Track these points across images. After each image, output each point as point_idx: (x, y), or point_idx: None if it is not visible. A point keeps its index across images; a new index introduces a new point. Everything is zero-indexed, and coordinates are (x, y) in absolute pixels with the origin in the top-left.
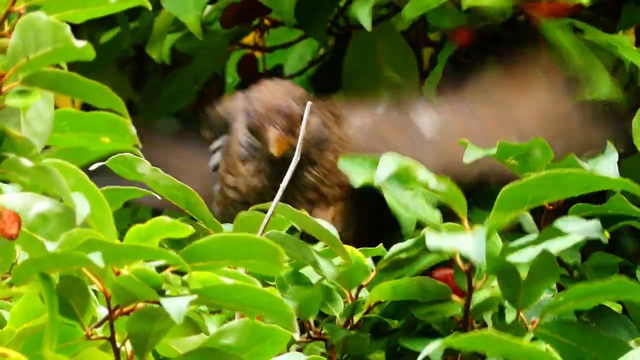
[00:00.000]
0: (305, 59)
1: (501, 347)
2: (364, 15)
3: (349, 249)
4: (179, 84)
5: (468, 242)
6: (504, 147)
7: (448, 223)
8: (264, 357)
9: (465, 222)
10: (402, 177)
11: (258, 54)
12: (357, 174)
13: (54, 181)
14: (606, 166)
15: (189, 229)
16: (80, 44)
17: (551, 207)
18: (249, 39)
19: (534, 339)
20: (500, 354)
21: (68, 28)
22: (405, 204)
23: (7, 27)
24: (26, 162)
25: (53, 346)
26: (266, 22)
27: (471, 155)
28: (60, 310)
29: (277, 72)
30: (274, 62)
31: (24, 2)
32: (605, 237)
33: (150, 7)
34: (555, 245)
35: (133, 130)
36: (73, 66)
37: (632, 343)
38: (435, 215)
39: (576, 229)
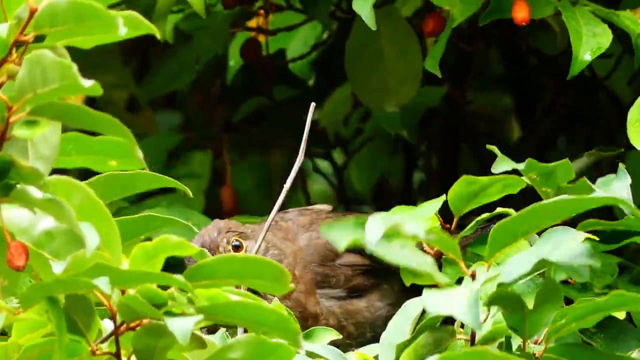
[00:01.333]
0: (308, 42)
1: None
2: (365, 12)
3: None
4: (180, 62)
5: (462, 307)
6: (530, 164)
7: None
8: None
9: (462, 265)
10: (391, 237)
11: (262, 38)
12: (340, 239)
13: (62, 212)
14: (618, 188)
15: (194, 248)
16: (88, 83)
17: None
18: (253, 22)
19: None
20: None
21: (75, 68)
22: (395, 258)
23: (15, 54)
24: (35, 193)
25: None
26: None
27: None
28: (66, 326)
29: (279, 56)
30: (277, 46)
31: (33, 30)
32: (598, 260)
33: (159, 35)
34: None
35: (140, 154)
36: (78, 63)
37: (635, 353)
38: (427, 261)
39: (565, 258)
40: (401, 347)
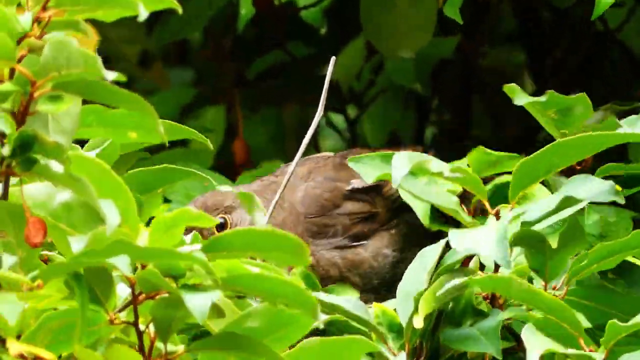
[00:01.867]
0: None
1: (522, 293)
2: None
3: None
4: (191, 8)
5: (490, 244)
6: (552, 96)
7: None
8: (287, 342)
9: (487, 205)
10: (417, 174)
11: None
12: (368, 173)
13: (82, 188)
14: None
15: (214, 220)
16: (111, 75)
17: (579, 167)
18: None
19: None
20: (521, 299)
21: (100, 60)
22: (419, 194)
23: (36, 28)
24: (56, 167)
25: (83, 341)
26: None
27: (520, 99)
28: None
29: (291, 5)
30: None
31: (54, 6)
32: (621, 198)
33: (180, 10)
34: (572, 210)
35: (161, 128)
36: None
37: None
38: (452, 200)
39: (590, 195)
40: (418, 298)
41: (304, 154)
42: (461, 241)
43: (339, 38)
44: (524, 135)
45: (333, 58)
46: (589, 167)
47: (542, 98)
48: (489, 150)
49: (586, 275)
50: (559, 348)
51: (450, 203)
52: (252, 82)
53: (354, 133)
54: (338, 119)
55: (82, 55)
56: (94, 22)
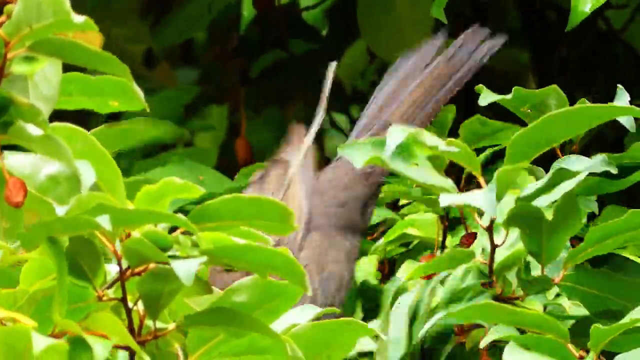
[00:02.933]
0: None
1: (502, 316)
2: None
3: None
4: (193, 10)
5: (479, 196)
6: (519, 93)
7: None
8: (276, 314)
9: (481, 180)
10: (410, 146)
11: None
12: (358, 157)
13: (59, 150)
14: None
15: (199, 190)
16: (79, 19)
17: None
18: None
19: (557, 295)
20: (504, 322)
21: (67, 3)
22: (414, 175)
23: None
24: (33, 130)
25: (63, 311)
26: None
27: (486, 99)
28: (71, 271)
29: (292, 6)
30: None
31: None
32: (614, 168)
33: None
34: (569, 185)
35: (141, 93)
36: (94, 16)
37: None
38: (448, 182)
39: (583, 166)
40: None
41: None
42: (450, 199)
43: (341, 38)
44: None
45: (333, 63)
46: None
47: (508, 96)
48: (484, 119)
49: (583, 258)
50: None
51: (445, 184)
52: (256, 82)
53: None
54: (341, 119)
55: (51, 2)
56: (98, 22)
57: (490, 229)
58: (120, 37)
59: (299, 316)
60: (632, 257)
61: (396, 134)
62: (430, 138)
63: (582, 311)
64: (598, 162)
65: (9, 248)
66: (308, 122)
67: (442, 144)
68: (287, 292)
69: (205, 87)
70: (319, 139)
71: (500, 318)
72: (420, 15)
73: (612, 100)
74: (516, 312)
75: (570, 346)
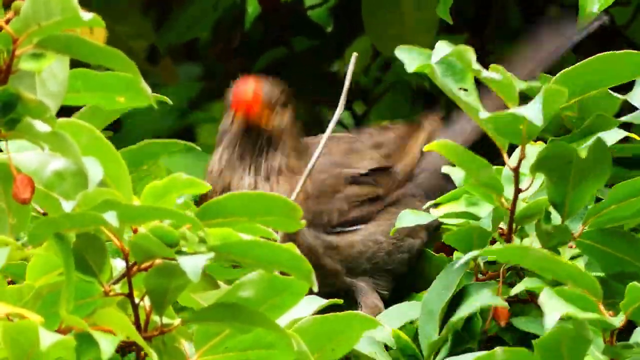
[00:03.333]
0: None
1: (539, 261)
2: None
3: None
4: (198, 9)
5: (526, 107)
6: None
7: None
8: (282, 309)
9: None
10: (457, 61)
11: None
12: (411, 61)
13: (66, 146)
14: None
15: (206, 186)
16: (87, 16)
17: None
18: None
19: (572, 258)
20: (538, 267)
21: (75, 1)
22: (460, 95)
23: None
24: (41, 126)
25: (70, 307)
26: None
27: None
28: (78, 267)
29: (297, 4)
30: None
31: None
32: None
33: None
34: (608, 135)
35: (148, 89)
36: (97, 13)
37: None
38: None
39: (627, 118)
40: (441, 315)
41: None
42: (488, 113)
43: (345, 35)
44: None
45: (354, 55)
46: None
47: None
48: None
49: (605, 217)
50: (577, 312)
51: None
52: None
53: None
54: (345, 115)
55: (59, 0)
56: (102, 18)
57: (516, 170)
58: (123, 34)
59: (303, 309)
60: None
61: (443, 47)
62: (475, 62)
63: (596, 274)
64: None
65: (16, 244)
66: (310, 119)
67: (485, 71)
68: (293, 287)
69: (208, 84)
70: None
71: (537, 263)
72: (424, 13)
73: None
74: (555, 260)
75: (602, 307)
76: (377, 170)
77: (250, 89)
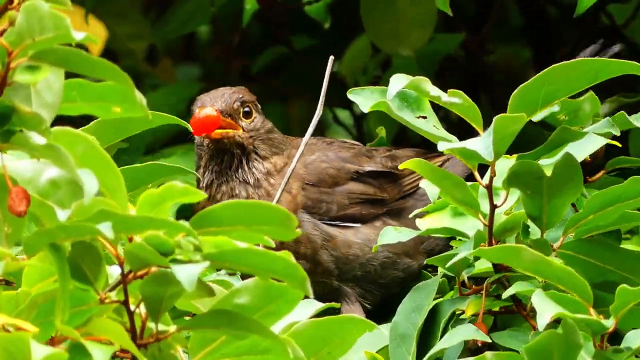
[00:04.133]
0: None
1: (531, 263)
2: None
3: None
4: (194, 4)
5: (476, 141)
6: (565, 104)
7: None
8: (278, 316)
9: (482, 132)
10: (419, 98)
11: None
12: (365, 102)
13: (61, 159)
14: None
15: (201, 194)
16: (79, 35)
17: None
18: None
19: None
20: (530, 269)
21: (68, 20)
22: (419, 126)
23: (16, 1)
24: (36, 138)
25: (65, 317)
26: None
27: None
28: (74, 275)
29: (295, 1)
30: None
31: None
32: (617, 130)
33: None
34: (573, 148)
35: (143, 99)
36: (97, 13)
37: None
38: (451, 137)
39: (587, 129)
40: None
41: None
42: (448, 145)
43: (344, 33)
44: (531, 132)
45: (331, 57)
46: (600, 157)
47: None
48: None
49: (584, 227)
50: (569, 313)
51: (448, 136)
52: (258, 78)
53: (361, 129)
54: (344, 114)
55: (52, 17)
56: (101, 18)
57: (489, 188)
58: (122, 34)
59: (300, 313)
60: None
61: (398, 81)
62: (433, 88)
63: None
64: (603, 124)
65: (11, 255)
66: (310, 118)
67: (444, 95)
68: (288, 295)
69: (207, 84)
70: (322, 135)
71: (529, 264)
72: (423, 9)
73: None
74: (547, 262)
75: (592, 310)
76: (384, 175)
77: (204, 113)
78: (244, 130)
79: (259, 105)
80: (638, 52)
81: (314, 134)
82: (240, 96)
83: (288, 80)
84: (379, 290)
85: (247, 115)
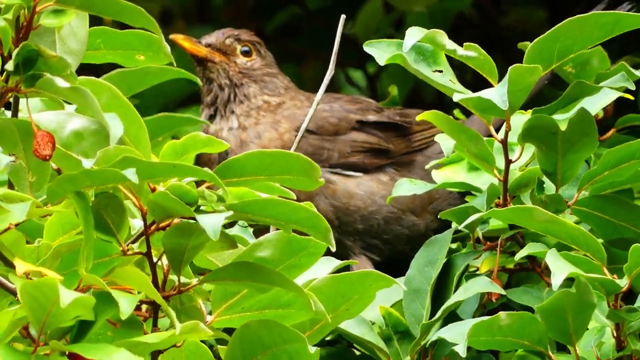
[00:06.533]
0: None
1: (544, 223)
2: None
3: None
4: None
5: (491, 90)
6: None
7: None
8: (300, 269)
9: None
10: (436, 52)
11: None
12: (381, 55)
13: (87, 102)
14: None
15: (224, 144)
16: None
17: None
18: None
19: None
20: (542, 229)
21: None
22: (435, 79)
23: None
24: (60, 82)
25: (89, 266)
26: None
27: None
28: (97, 226)
29: None
30: None
31: None
32: (631, 84)
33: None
34: (589, 103)
35: (167, 48)
36: None
37: None
38: (467, 90)
39: (602, 82)
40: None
41: None
42: (462, 95)
43: None
44: (546, 92)
45: (342, 17)
46: (610, 116)
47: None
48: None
49: (599, 184)
50: (582, 273)
51: (461, 89)
52: (272, 39)
53: (374, 89)
54: (358, 75)
55: None
56: None
57: (504, 142)
58: None
59: (319, 270)
60: None
61: (414, 34)
62: (448, 41)
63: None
64: (617, 78)
65: (35, 201)
66: (324, 78)
67: (460, 49)
68: (311, 247)
69: None
70: None
71: (542, 225)
72: None
73: (624, 54)
74: (560, 222)
75: (606, 270)
76: (391, 127)
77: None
78: (237, 65)
79: (262, 49)
80: None
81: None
82: (236, 34)
83: (302, 42)
84: (384, 245)
85: (246, 54)
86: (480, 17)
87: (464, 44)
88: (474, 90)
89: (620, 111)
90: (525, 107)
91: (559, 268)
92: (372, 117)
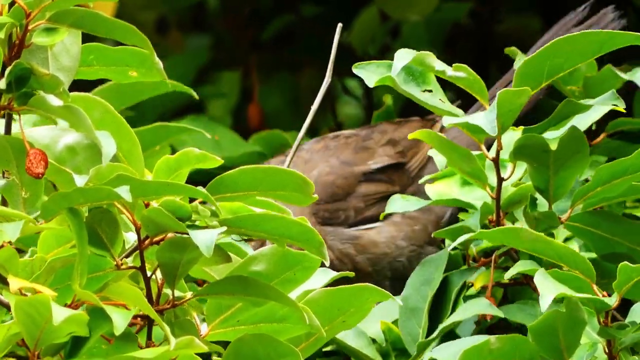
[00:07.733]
0: None
1: (531, 242)
2: None
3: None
4: None
5: (480, 115)
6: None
7: None
8: (294, 283)
9: (487, 105)
10: (424, 72)
11: None
12: (370, 77)
13: (79, 120)
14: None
15: (218, 160)
16: None
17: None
18: None
19: (566, 240)
20: (531, 249)
21: None
22: (424, 99)
23: None
24: (53, 100)
25: (83, 281)
26: None
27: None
28: (90, 241)
29: None
30: None
31: None
32: (622, 102)
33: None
34: (580, 120)
35: (160, 64)
36: None
37: None
38: (457, 110)
39: (592, 101)
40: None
41: (319, 122)
42: (452, 119)
43: (353, 1)
44: (541, 101)
45: (339, 26)
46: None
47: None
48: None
49: (592, 199)
50: (572, 293)
51: (453, 109)
52: (268, 47)
53: (371, 99)
54: (354, 84)
55: None
56: None
57: (496, 161)
58: (132, 5)
59: (315, 281)
60: None
61: (403, 56)
62: (438, 62)
63: (590, 255)
64: (608, 96)
65: (29, 218)
66: (320, 87)
67: (449, 69)
68: (305, 261)
69: (216, 53)
70: (332, 105)
71: (529, 244)
72: None
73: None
74: (547, 241)
75: (595, 287)
76: (391, 167)
77: None
78: None
79: None
80: None
81: (322, 104)
82: None
83: (298, 50)
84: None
85: None
86: (476, 26)
87: (453, 64)
88: (467, 99)
89: (610, 112)
90: (521, 120)
91: (548, 289)
92: (373, 164)
